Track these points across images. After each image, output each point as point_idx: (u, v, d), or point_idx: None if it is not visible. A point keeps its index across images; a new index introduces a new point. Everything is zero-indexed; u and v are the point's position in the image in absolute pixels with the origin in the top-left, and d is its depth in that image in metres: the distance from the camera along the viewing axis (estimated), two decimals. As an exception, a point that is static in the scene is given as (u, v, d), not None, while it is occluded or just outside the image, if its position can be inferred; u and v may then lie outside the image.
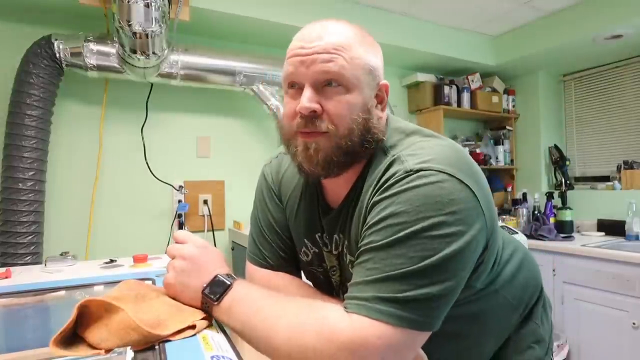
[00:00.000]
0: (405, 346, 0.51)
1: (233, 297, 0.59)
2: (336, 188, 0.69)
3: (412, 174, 0.54)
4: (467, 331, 0.70)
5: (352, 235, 0.65)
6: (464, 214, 0.53)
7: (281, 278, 0.76)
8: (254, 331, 0.56)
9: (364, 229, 0.58)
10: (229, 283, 0.60)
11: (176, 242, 0.68)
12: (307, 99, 0.58)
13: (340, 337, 0.50)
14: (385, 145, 0.64)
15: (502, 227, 2.25)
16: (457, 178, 0.54)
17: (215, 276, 0.61)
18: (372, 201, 0.58)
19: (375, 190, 0.59)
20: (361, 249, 0.56)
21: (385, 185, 0.57)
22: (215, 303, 0.59)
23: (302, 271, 0.81)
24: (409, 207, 0.52)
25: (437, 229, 0.51)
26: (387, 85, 0.66)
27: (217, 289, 0.60)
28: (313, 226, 0.73)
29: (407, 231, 0.52)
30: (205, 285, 0.61)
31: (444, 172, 0.53)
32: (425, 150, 0.58)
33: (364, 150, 0.62)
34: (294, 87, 0.62)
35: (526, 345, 0.77)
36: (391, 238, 0.52)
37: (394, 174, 0.56)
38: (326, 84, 0.59)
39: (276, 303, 0.57)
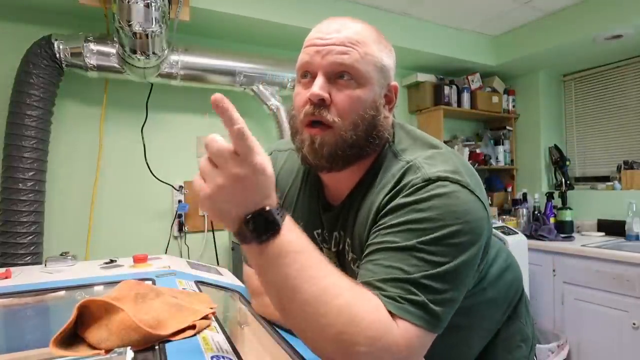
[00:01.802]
0: (421, 345, 0.52)
1: (282, 243, 0.47)
2: (338, 185, 0.69)
3: (431, 182, 0.56)
4: (455, 327, 0.71)
5: (355, 233, 0.66)
6: (476, 223, 0.56)
7: None
8: (301, 294, 0.47)
9: (376, 229, 0.58)
10: (279, 223, 0.47)
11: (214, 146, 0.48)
12: (318, 87, 0.60)
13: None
14: (396, 149, 0.65)
15: (501, 227, 2.28)
16: (469, 189, 0.57)
17: (263, 207, 0.47)
18: (390, 204, 0.58)
19: (391, 194, 0.59)
20: (374, 247, 0.56)
21: (405, 191, 0.58)
22: (260, 244, 0.47)
23: None
24: (431, 215, 0.54)
25: (455, 237, 0.53)
26: (397, 86, 0.67)
27: (263, 226, 0.47)
28: (312, 223, 0.73)
29: (429, 237, 0.53)
30: (248, 215, 0.47)
31: (458, 183, 0.56)
32: (438, 159, 0.60)
33: (368, 145, 0.63)
34: (307, 76, 0.63)
35: (514, 344, 0.80)
36: (412, 242, 0.53)
37: (413, 180, 0.58)
38: (338, 76, 0.61)
39: (330, 274, 0.50)
